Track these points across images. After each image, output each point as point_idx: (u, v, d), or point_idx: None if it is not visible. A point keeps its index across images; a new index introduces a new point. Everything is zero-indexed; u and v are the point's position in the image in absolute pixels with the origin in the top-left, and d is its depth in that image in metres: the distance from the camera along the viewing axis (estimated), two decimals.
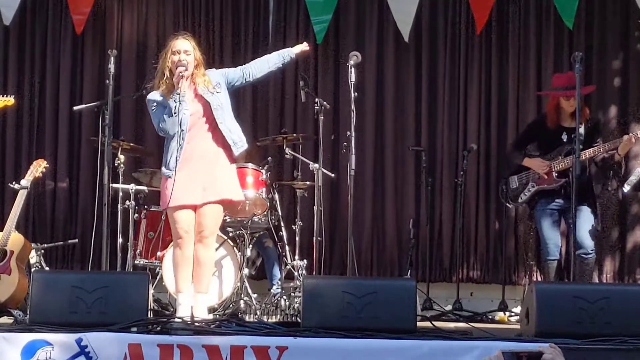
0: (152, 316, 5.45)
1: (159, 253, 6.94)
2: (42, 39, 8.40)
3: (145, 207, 7.14)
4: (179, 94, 5.72)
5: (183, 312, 5.70)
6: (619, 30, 8.18)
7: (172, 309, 6.47)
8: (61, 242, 7.85)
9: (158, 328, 5.10)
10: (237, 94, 7.97)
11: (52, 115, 8.36)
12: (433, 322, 5.85)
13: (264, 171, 7.03)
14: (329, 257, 7.78)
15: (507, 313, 7.55)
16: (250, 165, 6.99)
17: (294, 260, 7.09)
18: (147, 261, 7.01)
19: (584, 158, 6.60)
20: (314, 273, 6.84)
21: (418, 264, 8.06)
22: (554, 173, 6.78)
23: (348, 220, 6.30)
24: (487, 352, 4.82)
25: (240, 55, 8.29)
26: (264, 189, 6.97)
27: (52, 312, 5.12)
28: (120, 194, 7.06)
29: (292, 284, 7.04)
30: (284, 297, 6.84)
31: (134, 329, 5.05)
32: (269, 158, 7.37)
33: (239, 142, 5.91)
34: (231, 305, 6.74)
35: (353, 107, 6.13)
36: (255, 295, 6.91)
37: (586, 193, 6.75)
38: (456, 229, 8.01)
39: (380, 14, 8.28)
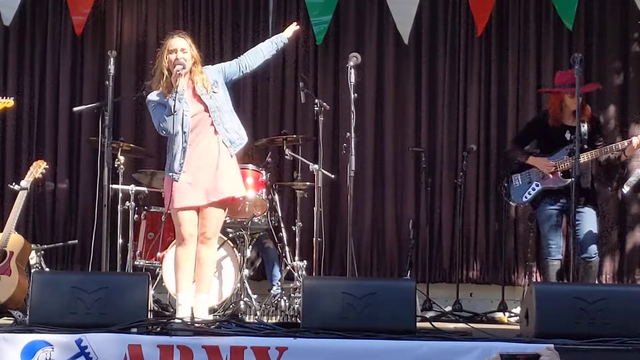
0: (152, 317, 5.45)
1: (158, 254, 6.94)
2: (42, 40, 8.41)
3: (145, 208, 7.15)
4: (177, 92, 5.73)
5: (183, 312, 5.70)
6: (619, 31, 8.19)
7: (172, 310, 6.47)
8: (61, 243, 7.85)
9: (158, 329, 5.11)
10: (237, 95, 8.01)
11: (52, 116, 8.36)
12: (433, 323, 5.85)
13: (264, 172, 7.03)
14: (328, 257, 7.78)
15: (507, 314, 7.56)
16: (250, 166, 6.99)
17: (294, 261, 7.10)
18: (147, 262, 7.01)
19: (588, 159, 6.60)
20: (313, 274, 6.85)
21: (418, 265, 8.06)
22: (559, 173, 6.74)
23: (348, 221, 6.31)
24: (487, 352, 4.84)
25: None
26: (264, 190, 6.97)
27: (52, 312, 5.12)
28: (120, 194, 7.07)
29: (292, 284, 7.05)
30: (284, 297, 6.85)
31: (134, 330, 5.05)
32: (269, 159, 7.38)
33: (237, 140, 5.92)
34: (231, 306, 6.75)
35: (353, 108, 6.14)
36: (255, 296, 6.91)
37: (590, 194, 6.75)
38: (456, 230, 8.01)
39: (380, 15, 8.28)
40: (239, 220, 6.89)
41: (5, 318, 6.38)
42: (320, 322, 5.11)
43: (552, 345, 4.83)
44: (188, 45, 5.89)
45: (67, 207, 8.32)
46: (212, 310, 6.45)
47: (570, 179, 6.59)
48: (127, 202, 7.07)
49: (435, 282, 8.07)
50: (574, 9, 7.95)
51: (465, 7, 8.20)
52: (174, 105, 5.70)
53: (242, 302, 6.72)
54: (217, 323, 5.36)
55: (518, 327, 6.08)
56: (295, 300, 6.74)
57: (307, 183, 7.31)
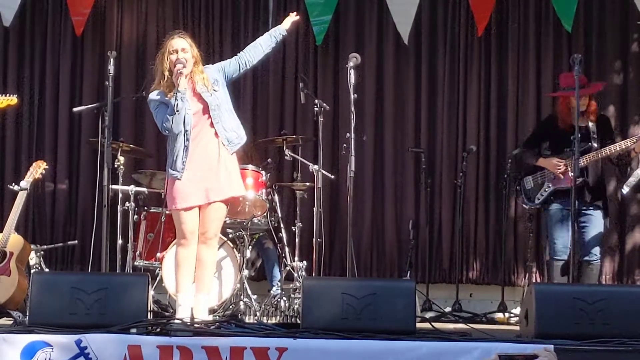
0: (151, 317, 5.44)
1: (158, 254, 6.94)
2: (41, 41, 8.41)
3: (145, 208, 7.15)
4: (179, 92, 5.73)
5: (183, 312, 5.70)
6: (618, 32, 8.19)
7: (171, 310, 6.47)
8: (61, 244, 7.84)
9: (158, 329, 5.11)
10: (237, 95, 8.02)
11: (51, 116, 8.36)
12: (432, 323, 5.85)
13: (263, 172, 7.03)
14: (328, 258, 7.78)
15: (507, 314, 7.55)
16: (250, 166, 6.99)
17: (294, 261, 7.10)
18: (146, 262, 7.01)
19: (594, 158, 6.60)
20: (313, 274, 6.85)
21: (417, 265, 8.06)
22: (569, 173, 6.72)
23: (348, 221, 6.31)
24: (487, 353, 4.84)
25: None
26: (264, 191, 6.97)
27: (52, 313, 5.12)
28: (120, 195, 7.07)
29: (291, 285, 7.05)
30: (284, 298, 6.85)
31: (134, 330, 5.05)
32: (269, 159, 7.38)
33: (235, 139, 5.92)
34: (231, 307, 6.75)
35: (352, 108, 6.13)
36: (255, 297, 6.91)
37: (598, 194, 6.75)
38: (455, 230, 8.01)
39: (379, 15, 8.28)
40: (238, 220, 6.89)
41: (5, 319, 6.38)
42: (320, 323, 5.12)
43: (551, 347, 4.83)
44: (188, 45, 5.89)
45: (67, 208, 8.32)
46: (211, 311, 6.45)
47: (581, 178, 6.60)
48: (127, 202, 7.07)
49: (435, 283, 8.07)
50: (573, 11, 7.95)
51: (465, 7, 8.21)
52: (177, 105, 5.70)
53: (241, 303, 6.72)
54: (217, 323, 5.37)
55: (518, 328, 6.08)
56: (295, 301, 6.74)
57: (307, 183, 7.31)
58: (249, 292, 6.85)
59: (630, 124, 8.04)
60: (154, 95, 5.90)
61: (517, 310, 7.44)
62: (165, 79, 5.85)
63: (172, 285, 6.24)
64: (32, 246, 7.18)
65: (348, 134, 6.14)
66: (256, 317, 6.63)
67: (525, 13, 8.22)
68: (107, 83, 6.15)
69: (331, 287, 5.32)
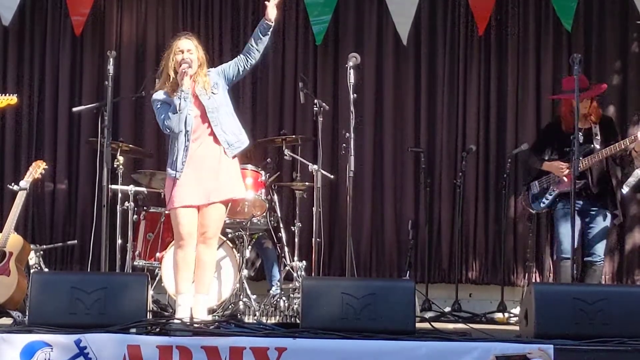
0: (151, 317, 5.45)
1: (158, 254, 6.94)
2: (41, 40, 8.40)
3: (145, 208, 7.15)
4: (183, 91, 5.74)
5: (182, 313, 5.70)
6: (618, 32, 8.19)
7: (171, 310, 6.47)
8: (60, 244, 7.84)
9: (157, 329, 5.11)
10: (237, 95, 8.02)
11: (51, 116, 8.35)
12: (432, 323, 5.86)
13: (263, 172, 7.03)
14: (328, 258, 7.78)
15: (506, 314, 7.56)
16: (249, 166, 6.99)
17: (293, 261, 7.10)
18: (146, 262, 7.01)
19: (596, 160, 6.61)
20: (313, 274, 6.84)
21: (417, 265, 8.06)
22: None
23: (347, 221, 6.31)
24: (486, 353, 4.84)
25: None
26: (263, 190, 6.98)
27: (51, 313, 5.13)
28: (120, 195, 7.07)
29: (291, 285, 7.05)
30: (283, 298, 6.85)
31: (133, 330, 5.05)
32: (268, 159, 7.38)
33: (235, 143, 5.91)
34: (230, 307, 6.75)
35: (352, 108, 6.13)
36: (254, 297, 6.91)
37: (604, 194, 6.75)
38: (455, 230, 8.01)
39: (379, 15, 8.28)
40: (238, 220, 6.89)
41: (5, 318, 6.37)
42: (319, 323, 5.12)
43: (550, 347, 4.83)
44: (194, 47, 5.91)
45: (67, 208, 8.32)
46: (211, 311, 6.45)
47: (584, 180, 6.62)
48: (126, 202, 7.07)
49: (435, 283, 8.07)
50: (573, 10, 7.95)
51: (464, 7, 8.20)
52: (180, 104, 5.72)
53: (241, 303, 6.73)
54: (216, 323, 5.38)
55: (517, 328, 6.09)
56: (295, 301, 6.74)
57: (307, 183, 7.31)
58: (249, 292, 6.85)
59: (630, 124, 8.04)
60: (158, 95, 5.92)
61: (517, 310, 7.44)
62: (170, 79, 5.87)
63: (172, 285, 6.24)
64: (32, 246, 7.18)
65: (347, 134, 6.14)
66: (255, 317, 6.63)
67: (525, 12, 8.21)
68: (106, 83, 6.15)
69: (330, 287, 5.33)
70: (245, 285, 6.86)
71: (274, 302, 6.83)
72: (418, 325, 5.41)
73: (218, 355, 4.84)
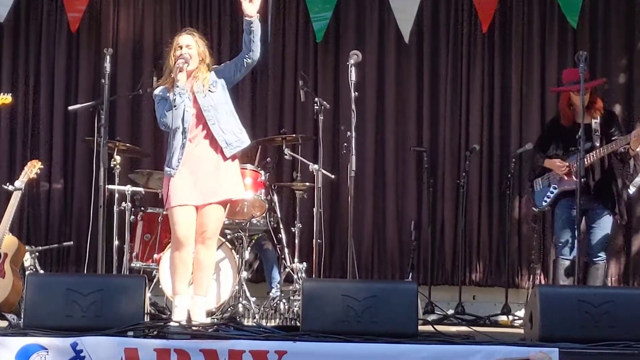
0: (148, 320, 5.45)
1: (155, 255, 6.94)
2: (36, 38, 8.41)
3: (142, 208, 7.15)
4: (178, 87, 5.74)
5: (179, 315, 5.71)
6: (624, 29, 8.19)
7: (169, 313, 6.46)
8: (56, 245, 7.84)
9: (155, 332, 5.10)
10: (236, 93, 7.97)
11: (46, 115, 8.36)
12: (435, 326, 5.85)
13: (262, 172, 7.03)
14: (328, 259, 7.78)
15: (511, 317, 7.57)
16: (249, 166, 7.00)
17: (293, 263, 7.10)
18: (143, 264, 7.01)
19: (597, 157, 6.59)
20: (313, 276, 6.85)
21: (419, 267, 8.07)
22: (573, 174, 6.72)
23: (348, 222, 6.30)
24: (490, 356, 4.84)
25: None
26: (263, 191, 6.98)
27: (47, 315, 5.12)
28: (116, 195, 7.07)
29: (291, 287, 7.06)
30: (283, 300, 6.85)
31: (131, 333, 5.04)
32: (268, 159, 7.38)
33: (235, 142, 5.89)
34: (229, 309, 6.75)
35: (353, 106, 6.13)
36: (253, 299, 6.91)
37: (606, 193, 6.74)
38: (458, 231, 8.01)
39: (381, 12, 8.28)
40: (237, 221, 6.89)
41: None
42: (320, 326, 5.12)
43: (555, 350, 4.83)
44: (194, 42, 5.91)
45: (62, 208, 8.32)
46: (209, 313, 6.46)
47: (584, 178, 6.59)
48: (123, 202, 7.07)
49: (438, 285, 8.07)
50: (578, 7, 7.96)
51: (468, 4, 8.21)
52: (174, 100, 5.72)
53: (240, 305, 6.73)
54: (215, 326, 5.38)
55: (522, 331, 6.08)
56: (295, 303, 6.74)
57: (307, 183, 7.31)
58: (248, 294, 6.85)
59: (636, 122, 8.03)
60: (157, 90, 5.95)
61: (521, 313, 7.44)
62: (170, 74, 5.88)
63: (170, 287, 6.24)
64: (27, 247, 7.17)
65: (349, 133, 6.14)
66: (255, 320, 6.63)
67: (530, 9, 8.22)
68: (103, 81, 6.14)
69: (331, 289, 5.33)
70: (245, 287, 6.86)
71: (274, 305, 6.83)
72: (420, 328, 5.41)
73: (217, 358, 4.83)
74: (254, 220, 6.95)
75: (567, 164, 6.72)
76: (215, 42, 8.27)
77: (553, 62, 8.14)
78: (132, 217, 7.08)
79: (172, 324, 5.37)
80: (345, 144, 6.18)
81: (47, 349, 4.84)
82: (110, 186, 6.91)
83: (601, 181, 6.74)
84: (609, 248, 7.58)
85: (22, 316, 5.32)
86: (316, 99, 6.88)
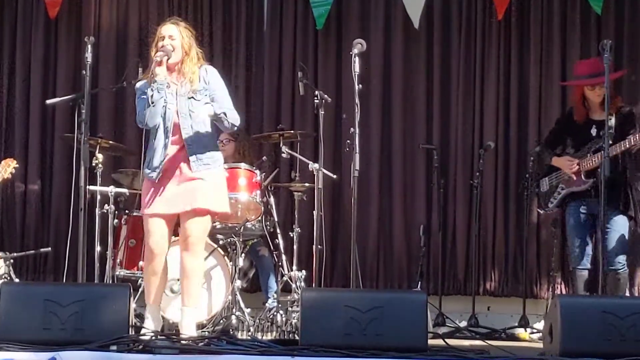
0: (133, 333, 5.46)
1: (141, 263, 6.94)
2: (11, 24, 8.42)
3: (126, 211, 7.16)
4: (155, 82, 5.74)
5: (150, 326, 5.77)
6: None
7: None
8: (32, 251, 7.85)
9: (140, 346, 5.11)
10: (229, 86, 7.99)
11: (22, 109, 8.37)
12: (446, 340, 5.86)
13: (258, 172, 7.04)
14: (330, 267, 7.81)
15: (529, 330, 7.58)
16: (242, 165, 7.01)
17: (292, 270, 7.11)
18: (128, 272, 7.02)
19: (612, 155, 6.60)
20: (313, 285, 6.85)
21: (429, 275, 8.08)
22: (582, 173, 6.74)
23: (351, 226, 6.31)
24: None
25: (232, 46, 8.30)
26: (258, 192, 6.98)
27: (23, 328, 5.13)
28: (98, 197, 7.08)
29: (289, 297, 7.07)
30: (281, 311, 6.86)
31: (114, 347, 5.05)
32: (264, 157, 7.39)
33: (205, 159, 5.83)
34: (222, 321, 6.76)
35: (357, 100, 6.14)
36: (248, 310, 6.93)
37: (619, 195, 6.74)
38: (471, 236, 8.02)
39: None
40: (230, 225, 6.90)
41: None
42: (320, 339, 5.12)
43: None
44: (178, 32, 5.92)
45: (39, 211, 8.33)
46: (200, 326, 6.47)
47: (592, 179, 6.62)
48: (106, 205, 7.08)
49: (449, 295, 8.09)
50: None
51: None
52: (152, 96, 5.73)
53: (233, 317, 6.73)
54: (206, 340, 5.38)
55: (541, 345, 6.09)
56: (293, 315, 6.76)
57: (306, 184, 7.33)
58: (242, 305, 6.86)
59: None
60: (139, 84, 5.98)
61: (540, 326, 7.45)
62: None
63: None
64: (1, 254, 7.18)
65: (352, 129, 6.15)
66: (250, 333, 6.65)
67: None
68: (84, 72, 6.15)
69: (333, 300, 5.33)
70: (239, 297, 6.87)
71: (270, 317, 6.85)
72: (430, 342, 5.42)
73: None
74: (249, 225, 6.96)
75: (577, 161, 6.72)
76: (206, 37, 8.27)
77: (575, 52, 8.14)
78: (116, 220, 7.09)
79: (158, 337, 5.37)
80: (348, 141, 6.19)
81: None
82: (92, 187, 6.91)
83: (612, 182, 6.73)
84: (634, 253, 7.59)
85: None
86: (316, 92, 6.88)
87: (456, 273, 8.18)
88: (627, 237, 6.76)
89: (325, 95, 6.89)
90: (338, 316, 5.19)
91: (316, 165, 6.81)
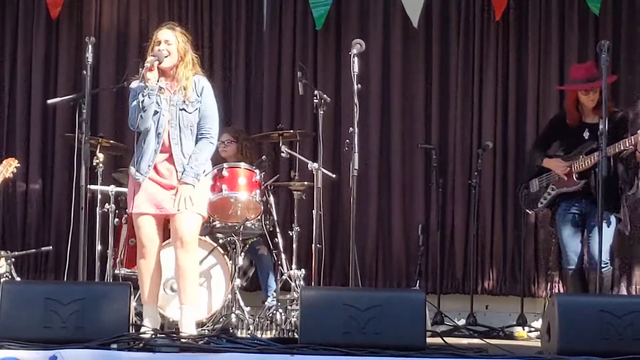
0: (133, 331, 5.46)
1: None
2: (12, 25, 8.41)
3: (126, 210, 7.14)
4: (147, 86, 5.74)
5: (148, 324, 5.76)
6: None
7: None
8: (34, 250, 7.85)
9: (140, 344, 5.11)
10: (228, 85, 8.04)
11: (23, 109, 8.37)
12: (444, 338, 5.86)
13: (257, 171, 7.04)
14: (329, 266, 7.80)
15: (527, 328, 7.58)
16: (242, 164, 7.00)
17: (291, 269, 7.11)
18: (128, 270, 7.01)
19: (596, 160, 6.60)
20: (312, 284, 6.85)
21: (428, 274, 8.07)
22: (574, 174, 6.76)
23: (350, 225, 6.31)
24: None
25: (232, 46, 8.30)
26: (258, 191, 6.98)
27: (24, 326, 5.12)
28: (99, 196, 7.08)
29: (288, 296, 7.06)
30: (280, 310, 6.86)
31: (114, 346, 5.05)
32: (264, 157, 7.38)
33: (192, 168, 5.82)
34: (221, 320, 6.76)
35: (356, 100, 6.14)
36: (248, 309, 6.92)
37: (608, 196, 6.74)
38: (470, 235, 8.01)
39: None
40: (230, 224, 6.90)
41: None
42: (319, 338, 5.12)
43: None
44: (174, 37, 5.91)
45: (40, 210, 8.33)
46: (200, 324, 6.47)
47: (584, 180, 6.64)
48: (107, 204, 7.08)
49: (447, 293, 8.08)
50: None
51: None
52: (143, 101, 5.73)
53: (233, 315, 6.73)
54: (206, 338, 5.37)
55: (539, 344, 6.09)
56: (292, 313, 6.76)
57: (306, 183, 7.32)
58: (242, 303, 6.86)
59: None
60: (134, 84, 5.96)
61: (538, 324, 7.45)
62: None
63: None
64: (2, 252, 7.18)
65: (351, 129, 6.15)
66: (249, 332, 6.64)
67: None
68: (84, 72, 6.14)
69: (332, 298, 5.33)
70: (238, 296, 6.86)
71: (270, 315, 6.84)
72: (429, 340, 5.43)
73: None
74: (248, 224, 6.95)
75: (568, 163, 6.75)
76: (206, 38, 8.28)
77: (573, 52, 8.13)
78: (116, 219, 7.09)
79: (158, 335, 5.37)
80: (347, 141, 6.20)
81: None
82: (93, 186, 6.91)
83: (603, 183, 6.72)
84: (633, 253, 7.60)
85: None
86: (316, 91, 6.88)
87: (455, 272, 8.17)
88: (612, 237, 6.77)
89: (325, 95, 6.88)
90: (337, 315, 5.19)
91: (315, 165, 6.81)
